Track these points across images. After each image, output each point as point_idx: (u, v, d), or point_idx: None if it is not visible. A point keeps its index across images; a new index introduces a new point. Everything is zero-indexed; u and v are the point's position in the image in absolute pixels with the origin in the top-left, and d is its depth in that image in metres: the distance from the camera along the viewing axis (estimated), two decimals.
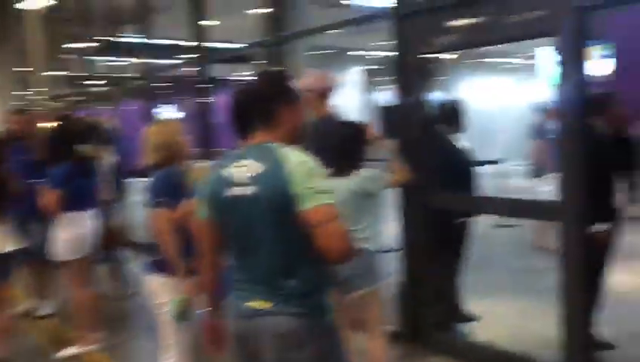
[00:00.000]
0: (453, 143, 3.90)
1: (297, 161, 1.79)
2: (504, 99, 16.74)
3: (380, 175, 3.18)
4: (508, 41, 3.38)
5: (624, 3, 2.52)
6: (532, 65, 12.27)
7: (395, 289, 4.09)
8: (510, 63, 17.29)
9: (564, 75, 2.89)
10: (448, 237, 3.84)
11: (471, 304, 4.32)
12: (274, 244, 1.81)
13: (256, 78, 2.00)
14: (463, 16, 3.47)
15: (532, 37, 3.30)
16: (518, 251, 6.74)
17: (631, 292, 4.89)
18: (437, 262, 3.89)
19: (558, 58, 2.93)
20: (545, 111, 6.74)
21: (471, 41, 3.48)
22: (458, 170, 3.85)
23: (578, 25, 2.76)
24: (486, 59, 16.43)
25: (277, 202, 1.77)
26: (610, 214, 3.53)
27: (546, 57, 7.84)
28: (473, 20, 3.41)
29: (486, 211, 3.54)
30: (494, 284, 5.36)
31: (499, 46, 14.23)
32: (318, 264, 1.84)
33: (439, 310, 3.97)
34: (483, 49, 14.48)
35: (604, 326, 3.57)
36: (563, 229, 2.88)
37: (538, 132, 6.62)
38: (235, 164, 1.85)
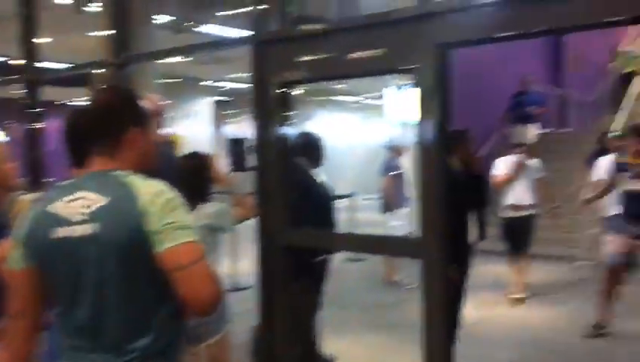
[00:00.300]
0: (314, 177, 3.78)
1: (153, 191, 1.47)
2: (352, 136, 17.38)
3: (227, 209, 3.02)
4: (368, 75, 3.31)
5: (485, 42, 2.53)
6: (379, 105, 12.83)
7: (249, 332, 3.83)
8: (358, 102, 18.05)
9: (424, 112, 2.84)
10: (307, 275, 3.66)
11: (327, 343, 4.17)
12: (120, 296, 1.45)
13: (97, 94, 1.66)
14: (322, 48, 3.34)
15: (392, 72, 3.29)
16: (369, 285, 6.82)
17: (477, 324, 5.08)
18: (294, 302, 3.68)
19: (419, 95, 2.89)
20: (392, 148, 6.98)
21: (330, 73, 3.37)
22: (319, 204, 3.72)
23: (439, 62, 2.74)
24: (334, 97, 16.96)
25: (125, 243, 1.42)
26: (464, 250, 3.61)
27: (394, 97, 8.19)
28: (333, 53, 3.30)
29: (347, 248, 3.42)
30: (349, 321, 5.30)
31: (348, 85, 14.80)
32: (176, 316, 1.52)
33: (296, 352, 3.75)
34: (334, 86, 14.92)
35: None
36: (424, 266, 2.82)
37: (387, 168, 6.81)
38: (66, 197, 1.48)
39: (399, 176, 6.76)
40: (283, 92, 3.65)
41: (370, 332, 5.08)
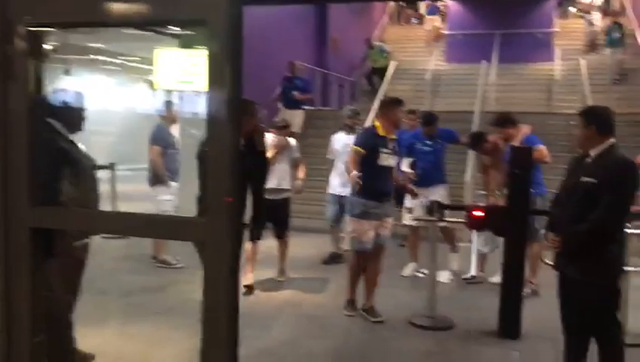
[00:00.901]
0: (72, 144, 3.16)
1: None
2: (113, 100, 16.06)
3: None
4: (146, 24, 2.81)
5: (286, 3, 2.24)
6: (147, 68, 11.91)
7: None
8: (122, 64, 16.61)
9: (214, 76, 2.46)
10: (64, 260, 3.05)
11: (84, 338, 3.60)
12: None
13: None
14: None
15: (174, 23, 2.84)
16: (133, 266, 6.19)
17: (248, 303, 4.93)
18: (45, 294, 3.05)
19: (208, 56, 2.49)
20: (164, 116, 6.40)
21: (96, 19, 2.78)
22: (80, 176, 3.12)
23: (233, 17, 2.39)
24: (94, 56, 15.38)
25: None
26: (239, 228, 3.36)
27: (165, 60, 7.56)
28: None
29: (114, 230, 2.86)
30: (110, 310, 4.71)
31: (111, 44, 13.49)
32: None
33: (45, 354, 3.13)
34: (94, 44, 13.52)
35: None
36: (210, 250, 2.49)
37: (156, 138, 6.23)
38: None
39: (170, 147, 6.24)
40: (31, 40, 2.96)
41: (137, 321, 4.56)
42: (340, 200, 6.38)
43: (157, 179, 6.10)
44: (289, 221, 6.10)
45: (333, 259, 6.75)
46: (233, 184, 2.50)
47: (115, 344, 4.04)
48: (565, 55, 14.21)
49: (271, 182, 5.54)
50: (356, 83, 14.34)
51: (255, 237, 5.53)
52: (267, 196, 5.30)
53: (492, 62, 13.04)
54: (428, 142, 6.19)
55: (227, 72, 2.43)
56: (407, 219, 6.26)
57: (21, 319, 2.91)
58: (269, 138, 5.77)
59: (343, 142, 6.38)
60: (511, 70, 13.78)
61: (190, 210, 3.52)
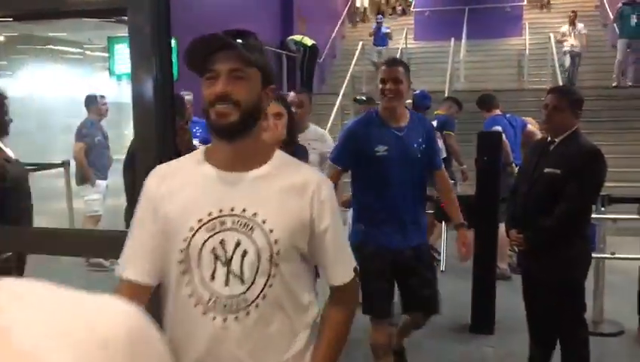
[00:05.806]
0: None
1: None
2: (72, 91, 15.49)
3: None
4: (60, 16, 2.52)
5: None
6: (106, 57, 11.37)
7: None
8: (81, 53, 16.02)
9: (139, 66, 2.19)
10: None
11: None
12: None
13: None
14: None
15: (96, 14, 2.54)
16: (70, 270, 5.53)
17: None
18: None
19: (131, 45, 2.22)
20: (91, 108, 5.89)
21: (11, 10, 2.48)
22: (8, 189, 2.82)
23: (155, 4, 2.11)
24: (52, 46, 14.81)
25: None
26: None
27: (119, 47, 7.16)
28: None
29: (40, 250, 2.56)
30: None
31: (69, 33, 12.97)
32: None
33: None
34: (51, 34, 13.00)
35: None
36: None
37: (80, 133, 5.76)
38: None
39: (98, 143, 5.76)
40: None
41: None
42: None
43: (82, 177, 5.71)
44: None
45: None
46: None
47: None
48: (535, 29, 14.05)
49: None
50: (324, 65, 14.01)
51: None
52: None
53: (462, 38, 12.82)
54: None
55: (153, 61, 2.15)
56: None
57: None
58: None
59: None
60: (480, 46, 13.59)
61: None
